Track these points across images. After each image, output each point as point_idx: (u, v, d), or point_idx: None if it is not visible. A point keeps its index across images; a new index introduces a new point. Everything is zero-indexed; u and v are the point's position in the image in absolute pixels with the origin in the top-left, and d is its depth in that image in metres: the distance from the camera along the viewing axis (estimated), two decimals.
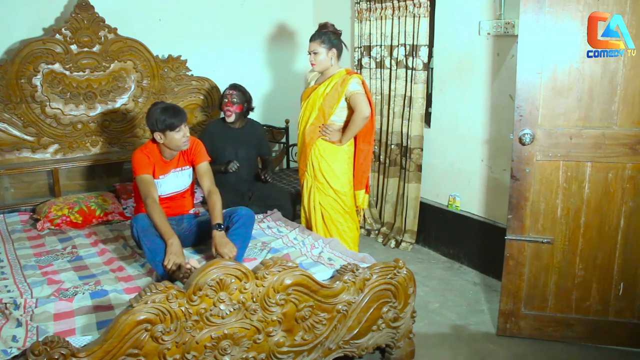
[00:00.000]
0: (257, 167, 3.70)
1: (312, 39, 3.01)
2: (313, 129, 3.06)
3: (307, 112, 3.09)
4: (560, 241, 2.54)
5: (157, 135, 2.68)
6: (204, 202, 3.52)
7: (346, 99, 2.98)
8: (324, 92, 3.01)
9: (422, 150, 3.66)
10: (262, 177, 3.49)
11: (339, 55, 3.05)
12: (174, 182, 2.85)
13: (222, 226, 2.58)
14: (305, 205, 3.20)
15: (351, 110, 3.01)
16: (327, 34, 2.99)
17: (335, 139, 3.05)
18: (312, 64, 3.03)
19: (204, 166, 2.83)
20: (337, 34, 3.04)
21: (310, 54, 3.01)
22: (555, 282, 2.58)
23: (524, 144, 2.47)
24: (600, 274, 2.52)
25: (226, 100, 3.43)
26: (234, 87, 3.47)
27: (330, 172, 3.08)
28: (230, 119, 3.45)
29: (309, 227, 3.21)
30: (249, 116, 3.59)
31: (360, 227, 4.13)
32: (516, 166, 2.51)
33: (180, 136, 2.66)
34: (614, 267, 2.50)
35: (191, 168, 2.89)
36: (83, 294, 2.26)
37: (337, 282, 2.16)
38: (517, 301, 2.64)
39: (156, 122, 2.64)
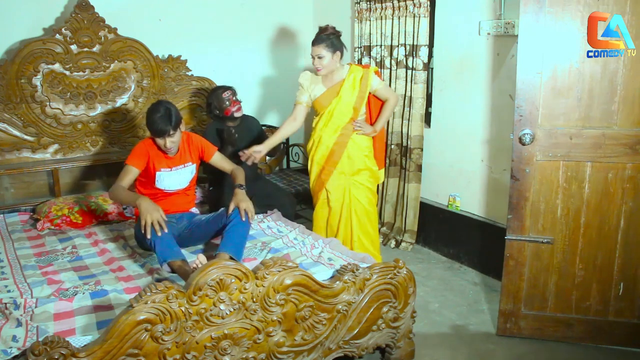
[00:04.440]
0: (257, 165, 3.70)
1: (315, 43, 3.01)
2: (348, 126, 3.12)
3: (339, 113, 3.09)
4: (560, 241, 2.54)
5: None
6: (203, 202, 3.53)
7: (370, 93, 3.12)
8: (354, 90, 3.06)
9: (422, 150, 3.66)
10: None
11: (341, 56, 3.08)
12: (176, 178, 2.86)
13: (243, 187, 2.75)
14: (338, 206, 3.21)
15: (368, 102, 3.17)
16: (329, 37, 2.99)
17: (368, 130, 3.16)
18: (317, 69, 3.03)
19: (217, 156, 2.98)
20: (338, 35, 3.06)
21: (314, 58, 3.01)
22: (555, 282, 2.58)
23: (524, 144, 2.47)
24: (600, 274, 2.52)
25: (228, 103, 3.38)
26: (225, 87, 3.43)
27: (370, 161, 3.21)
28: (241, 113, 3.42)
29: (330, 231, 3.27)
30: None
31: None
32: (516, 166, 2.51)
33: (162, 144, 2.72)
34: (614, 267, 2.50)
35: (194, 164, 2.93)
36: (83, 294, 2.26)
37: (337, 282, 2.16)
38: (517, 301, 2.64)
39: (147, 122, 2.74)
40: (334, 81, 3.10)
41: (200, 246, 2.86)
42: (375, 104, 3.21)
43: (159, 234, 2.43)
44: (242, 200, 2.66)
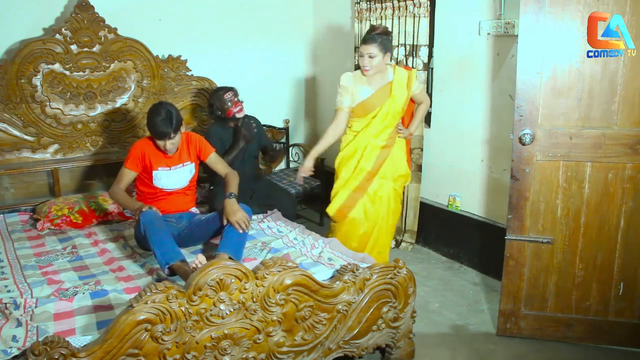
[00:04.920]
0: (258, 165, 3.70)
1: (368, 41, 2.89)
2: (394, 129, 3.08)
3: (392, 115, 3.00)
4: (560, 241, 2.54)
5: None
6: (203, 202, 3.53)
7: (410, 95, 3.09)
8: (402, 91, 3.00)
9: (422, 150, 3.66)
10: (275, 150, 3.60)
11: (391, 58, 3.06)
12: (174, 177, 2.88)
13: (234, 195, 2.69)
14: (375, 212, 3.10)
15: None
16: (381, 37, 2.91)
17: (406, 133, 3.17)
18: (365, 69, 2.92)
19: (213, 156, 2.98)
20: (390, 36, 3.00)
21: (363, 56, 2.91)
22: (555, 282, 2.58)
23: (524, 144, 2.47)
24: (600, 274, 2.52)
25: (230, 104, 3.38)
26: (226, 88, 3.42)
27: (407, 165, 3.19)
28: (243, 114, 3.41)
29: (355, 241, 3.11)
30: None
31: None
32: (516, 166, 2.51)
33: (162, 145, 2.76)
34: (614, 267, 2.49)
35: (193, 164, 2.94)
36: (83, 294, 2.26)
37: (337, 282, 2.16)
38: (517, 301, 2.64)
39: (148, 123, 2.76)
40: (381, 82, 3.00)
41: (200, 246, 2.86)
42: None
43: (144, 209, 2.52)
44: (232, 213, 2.58)
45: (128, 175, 2.82)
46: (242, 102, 3.43)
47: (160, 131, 2.69)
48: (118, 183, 2.80)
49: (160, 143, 2.74)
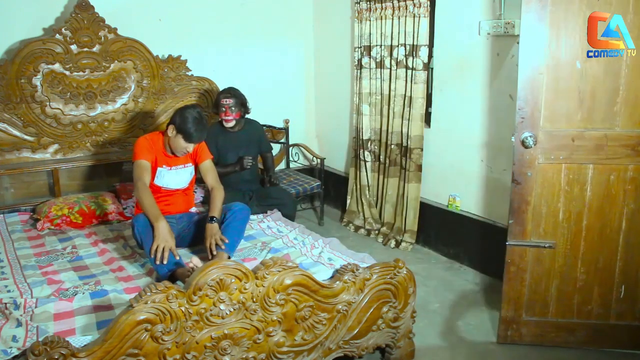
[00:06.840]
0: (257, 167, 3.70)
1: None
2: None
3: None
4: (561, 245, 2.51)
5: (171, 129, 2.74)
6: (204, 202, 3.53)
7: None
8: None
9: (422, 150, 3.66)
10: (271, 180, 3.56)
11: None
12: (175, 178, 2.88)
13: (215, 219, 2.63)
14: None
15: None
16: None
17: None
18: None
19: (208, 163, 2.93)
20: None
21: None
22: (557, 286, 2.55)
23: (526, 147, 2.41)
24: (601, 277, 2.51)
25: (224, 110, 3.41)
26: (230, 94, 3.43)
27: None
28: (230, 125, 3.45)
29: None
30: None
31: (360, 227, 4.15)
32: (518, 170, 2.48)
33: (183, 147, 2.74)
34: (615, 270, 2.48)
35: (193, 166, 2.93)
36: (83, 294, 2.26)
37: (337, 282, 2.16)
38: (518, 308, 2.60)
39: (183, 121, 2.69)
40: None
41: (201, 245, 2.86)
42: None
43: (165, 262, 2.40)
44: (209, 237, 2.58)
45: (146, 166, 2.71)
46: (237, 114, 3.42)
47: (198, 136, 2.71)
48: (140, 179, 2.65)
49: (185, 144, 2.73)
